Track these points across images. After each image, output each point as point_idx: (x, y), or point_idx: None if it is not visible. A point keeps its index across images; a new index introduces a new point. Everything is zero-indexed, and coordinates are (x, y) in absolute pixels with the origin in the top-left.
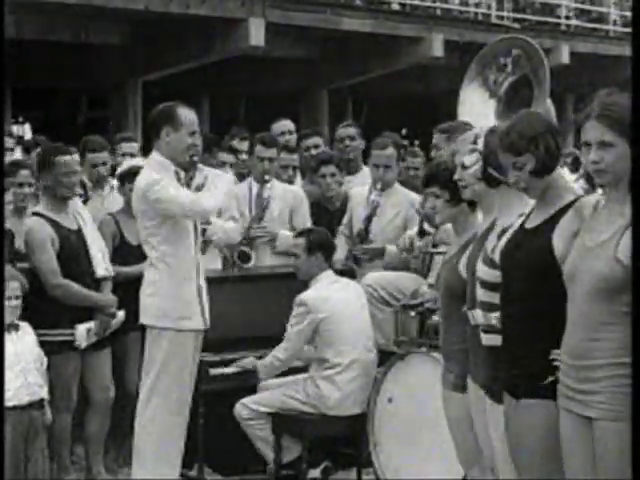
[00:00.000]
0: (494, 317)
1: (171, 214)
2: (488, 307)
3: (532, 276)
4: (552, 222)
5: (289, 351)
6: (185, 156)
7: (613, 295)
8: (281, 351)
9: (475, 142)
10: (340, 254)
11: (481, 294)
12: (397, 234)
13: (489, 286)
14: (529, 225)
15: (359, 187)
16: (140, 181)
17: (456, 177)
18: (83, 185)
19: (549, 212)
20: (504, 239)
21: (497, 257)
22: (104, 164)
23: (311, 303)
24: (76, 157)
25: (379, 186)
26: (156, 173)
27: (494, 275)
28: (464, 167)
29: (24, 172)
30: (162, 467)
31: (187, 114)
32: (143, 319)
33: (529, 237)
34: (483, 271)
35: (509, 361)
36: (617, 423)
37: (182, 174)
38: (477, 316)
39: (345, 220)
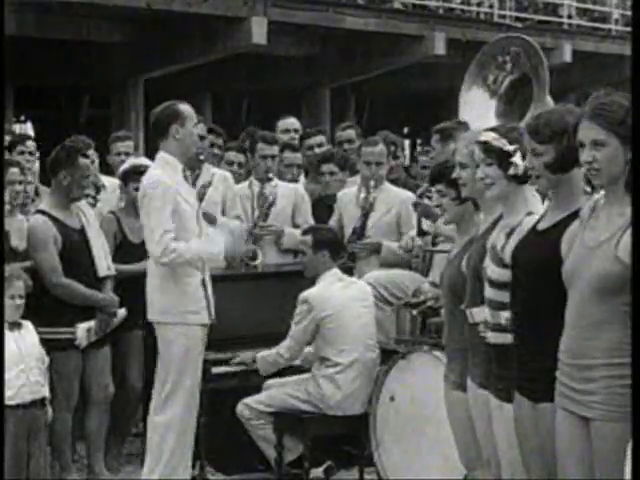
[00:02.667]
0: (503, 316)
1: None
2: (497, 306)
3: (541, 277)
4: (563, 225)
5: (292, 349)
6: (195, 148)
7: (612, 294)
8: (284, 349)
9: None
10: None
11: (490, 293)
12: (390, 230)
13: (499, 285)
14: (541, 226)
15: (346, 188)
16: (145, 178)
17: (454, 175)
18: (96, 187)
19: (561, 214)
20: (514, 238)
21: (507, 256)
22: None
23: (313, 301)
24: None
25: (372, 183)
26: (163, 172)
27: (504, 274)
28: (463, 166)
29: (13, 170)
30: (177, 465)
31: (188, 108)
32: (151, 316)
33: (539, 238)
34: (492, 270)
35: (522, 363)
36: (613, 424)
37: (188, 173)
38: (478, 314)
39: (333, 221)
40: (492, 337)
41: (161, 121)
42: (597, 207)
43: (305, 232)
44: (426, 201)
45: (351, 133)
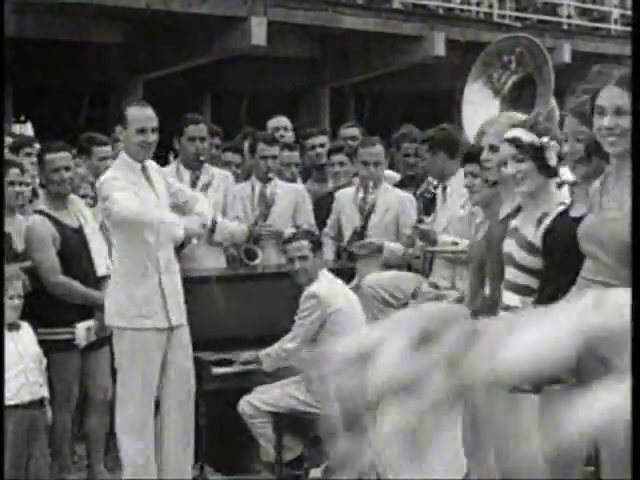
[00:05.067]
0: (530, 301)
1: (112, 216)
2: (529, 292)
3: (577, 263)
4: None
5: (296, 341)
6: (140, 154)
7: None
8: (288, 341)
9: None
10: (329, 254)
11: (523, 279)
12: (390, 230)
13: (532, 272)
14: (574, 214)
15: (344, 189)
16: (98, 181)
17: (483, 158)
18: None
19: None
20: (544, 226)
21: (539, 243)
22: (112, 158)
23: (322, 296)
24: (65, 154)
25: (371, 184)
26: (118, 171)
27: (537, 262)
28: (493, 149)
29: (14, 171)
30: (145, 468)
31: (136, 112)
32: (106, 319)
33: (575, 227)
34: (524, 258)
35: None
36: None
37: (186, 174)
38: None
39: (330, 222)
40: None
41: (117, 120)
42: (607, 178)
43: (297, 238)
44: (427, 195)
45: (355, 131)
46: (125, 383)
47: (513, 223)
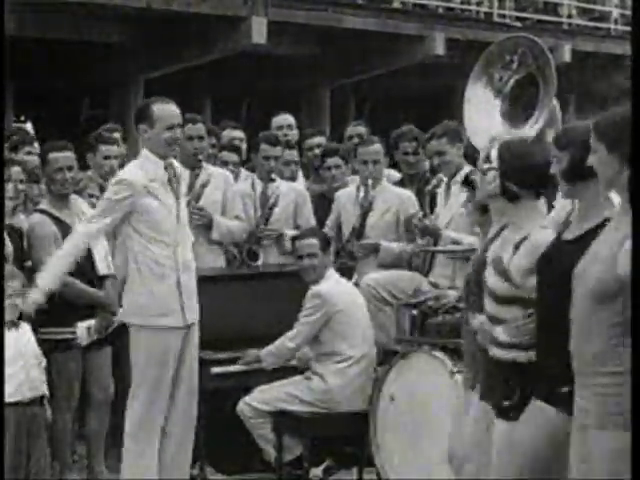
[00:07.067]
0: (500, 331)
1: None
2: (497, 322)
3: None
4: (594, 234)
5: (298, 339)
6: (168, 151)
7: (603, 303)
8: (289, 339)
9: (488, 159)
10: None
11: (489, 306)
12: (389, 229)
13: (499, 299)
14: (569, 236)
15: (345, 188)
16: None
17: (472, 177)
18: (101, 188)
19: (589, 224)
20: (522, 251)
21: (514, 270)
22: (116, 157)
23: (327, 296)
24: (68, 154)
25: (370, 182)
26: (139, 168)
27: (507, 289)
28: (483, 171)
29: (15, 169)
30: (137, 461)
31: (163, 108)
32: (122, 317)
33: (569, 247)
34: (494, 283)
35: (551, 376)
36: (602, 432)
37: (182, 172)
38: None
39: (330, 221)
40: (497, 352)
41: (135, 118)
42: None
43: (305, 236)
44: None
45: (362, 129)
46: (139, 382)
47: (492, 248)
